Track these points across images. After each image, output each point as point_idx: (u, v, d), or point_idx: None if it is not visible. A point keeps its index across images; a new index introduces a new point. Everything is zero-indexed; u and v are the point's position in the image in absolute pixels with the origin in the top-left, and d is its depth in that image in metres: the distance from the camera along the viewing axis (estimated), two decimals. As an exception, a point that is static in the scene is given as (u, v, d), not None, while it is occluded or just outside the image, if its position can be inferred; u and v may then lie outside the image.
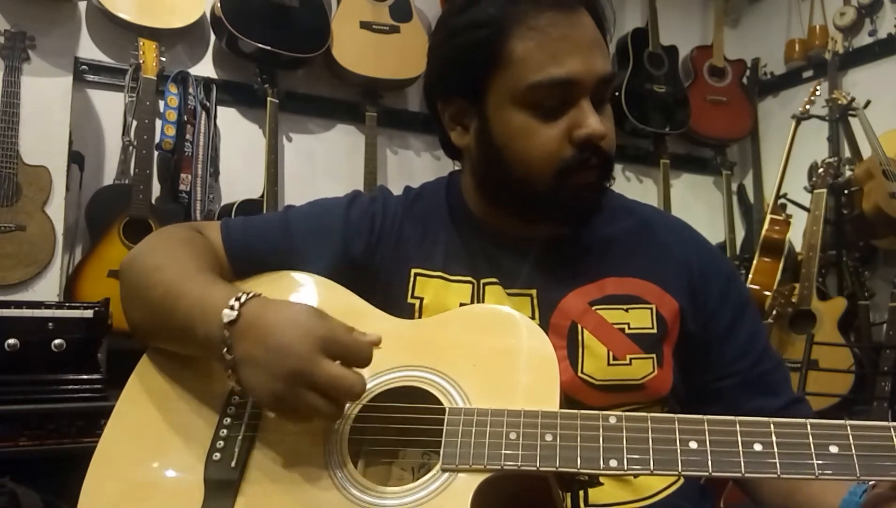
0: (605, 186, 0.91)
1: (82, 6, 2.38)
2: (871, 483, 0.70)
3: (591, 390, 0.87)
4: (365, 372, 0.74)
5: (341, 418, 0.76)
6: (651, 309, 0.90)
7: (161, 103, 2.41)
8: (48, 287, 2.17)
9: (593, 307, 0.90)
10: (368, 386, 0.79)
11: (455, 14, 0.90)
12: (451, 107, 0.93)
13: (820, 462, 0.63)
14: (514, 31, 0.84)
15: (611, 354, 0.88)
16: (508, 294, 0.91)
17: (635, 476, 0.85)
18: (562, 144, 0.85)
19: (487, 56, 0.85)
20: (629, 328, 0.89)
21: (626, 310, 0.90)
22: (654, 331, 0.89)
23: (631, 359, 0.88)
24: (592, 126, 0.83)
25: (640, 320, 0.90)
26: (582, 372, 0.87)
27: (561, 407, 0.73)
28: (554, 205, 0.88)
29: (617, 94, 3.08)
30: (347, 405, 0.77)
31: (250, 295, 0.76)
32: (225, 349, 0.74)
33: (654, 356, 0.89)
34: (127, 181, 2.34)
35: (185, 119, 2.42)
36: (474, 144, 0.91)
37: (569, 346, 0.88)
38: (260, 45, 2.46)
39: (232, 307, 0.74)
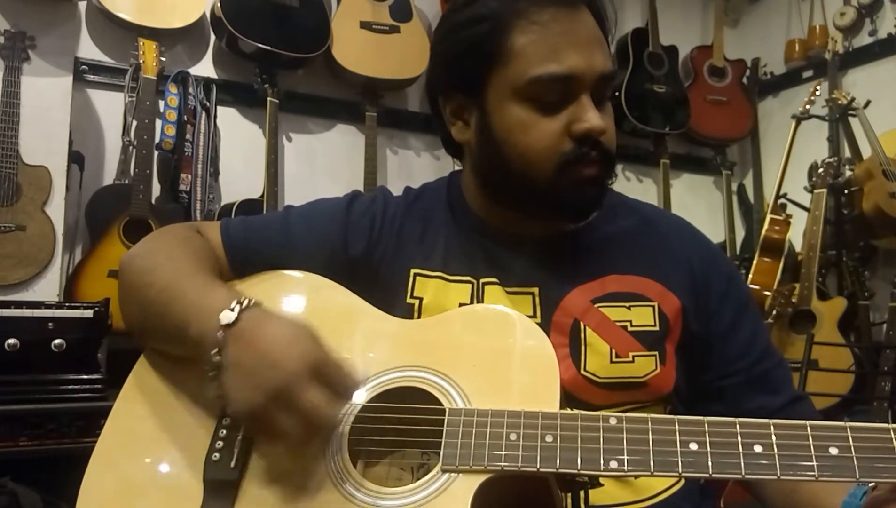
0: (605, 182, 0.90)
1: (82, 6, 2.38)
2: (870, 484, 0.70)
3: (593, 388, 0.87)
4: (365, 372, 0.73)
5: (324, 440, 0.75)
6: (653, 307, 0.90)
7: (161, 103, 2.41)
8: (48, 287, 2.16)
9: (595, 305, 0.90)
10: (368, 386, 0.79)
11: (457, 10, 0.91)
12: (452, 102, 0.93)
13: (820, 463, 0.63)
14: (516, 25, 0.84)
15: (613, 351, 0.87)
16: (508, 293, 0.91)
17: (636, 477, 0.85)
18: (561, 139, 0.85)
19: (488, 51, 0.85)
20: (631, 326, 0.89)
21: (629, 307, 0.90)
22: (657, 329, 0.89)
23: (634, 356, 0.88)
24: (591, 121, 0.84)
25: (643, 317, 0.90)
26: (584, 370, 0.87)
27: (561, 407, 0.73)
28: (554, 200, 0.88)
29: (617, 94, 3.08)
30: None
31: (252, 302, 0.76)
32: (215, 351, 0.73)
33: (656, 353, 0.88)
34: (127, 181, 2.33)
35: (185, 119, 2.42)
36: (475, 139, 0.91)
37: (571, 344, 0.88)
38: (260, 45, 2.46)
39: (232, 310, 0.74)
